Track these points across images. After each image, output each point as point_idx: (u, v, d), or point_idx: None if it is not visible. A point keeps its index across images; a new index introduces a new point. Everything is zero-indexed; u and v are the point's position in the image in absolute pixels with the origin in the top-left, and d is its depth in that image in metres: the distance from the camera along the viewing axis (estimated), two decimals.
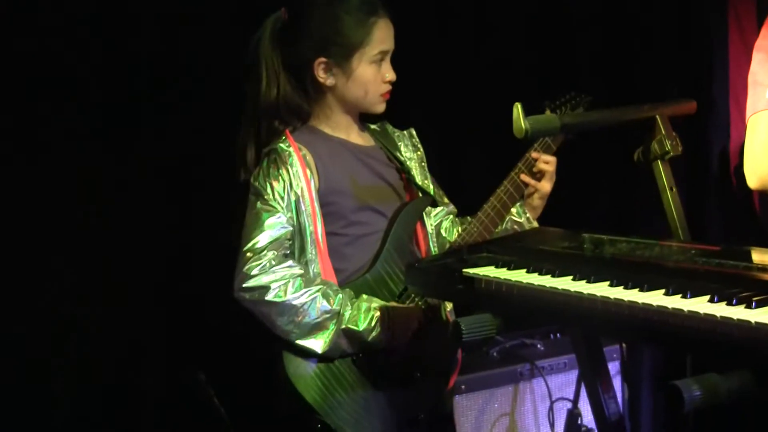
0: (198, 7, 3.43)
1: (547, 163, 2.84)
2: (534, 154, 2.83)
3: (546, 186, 2.86)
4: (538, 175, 2.85)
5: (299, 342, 2.61)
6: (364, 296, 2.67)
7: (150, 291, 3.49)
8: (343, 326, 2.61)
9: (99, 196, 3.37)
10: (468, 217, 2.93)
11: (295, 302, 2.58)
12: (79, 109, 3.32)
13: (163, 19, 3.42)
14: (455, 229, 2.94)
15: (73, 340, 3.35)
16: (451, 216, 2.98)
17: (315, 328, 2.60)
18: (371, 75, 2.73)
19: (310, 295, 2.59)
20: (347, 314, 2.61)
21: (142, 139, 3.42)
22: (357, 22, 2.70)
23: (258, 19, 2.79)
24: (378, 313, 2.64)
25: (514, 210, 2.85)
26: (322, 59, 2.71)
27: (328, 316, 2.60)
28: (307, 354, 2.63)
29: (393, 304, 2.70)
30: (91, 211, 3.37)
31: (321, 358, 2.65)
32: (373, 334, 2.63)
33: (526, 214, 2.89)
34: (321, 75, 2.73)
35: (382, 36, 2.73)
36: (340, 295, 2.63)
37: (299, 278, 2.60)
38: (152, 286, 3.49)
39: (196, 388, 3.04)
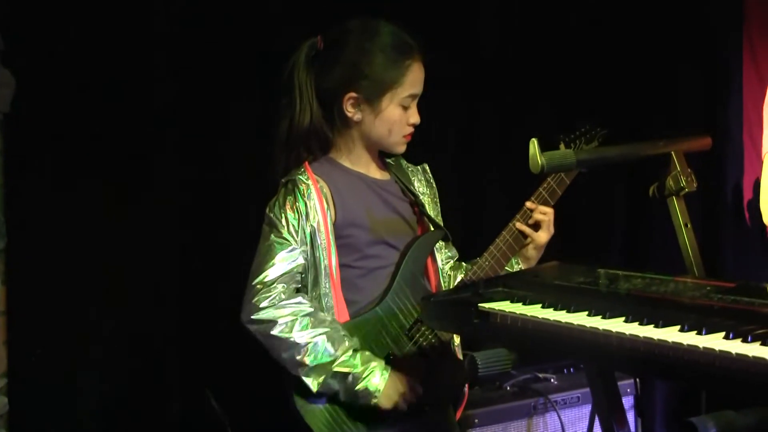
0: None
1: (543, 214, 2.85)
2: (530, 205, 2.85)
3: (542, 237, 2.86)
4: (535, 226, 2.86)
5: (299, 377, 2.60)
6: (368, 353, 2.65)
7: (163, 317, 3.50)
8: (335, 369, 2.59)
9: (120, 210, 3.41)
10: (464, 264, 2.95)
11: (299, 341, 2.57)
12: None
13: None
14: (450, 274, 2.94)
15: (88, 357, 3.38)
16: (452, 261, 2.97)
17: (314, 370, 2.59)
18: (398, 116, 2.73)
19: (315, 336, 2.58)
20: (344, 358, 2.59)
21: (161, 154, 3.47)
22: (392, 62, 2.69)
23: None
24: (376, 365, 2.62)
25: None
26: (353, 94, 2.70)
27: (329, 360, 2.59)
28: None
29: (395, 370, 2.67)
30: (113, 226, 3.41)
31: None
32: (361, 384, 2.60)
33: (519, 265, 2.90)
34: (349, 109, 2.72)
35: (414, 79, 2.72)
36: (346, 343, 2.61)
37: (307, 317, 2.60)
38: (165, 312, 3.50)
39: (209, 415, 3.05)
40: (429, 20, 3.46)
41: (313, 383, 2.59)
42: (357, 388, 2.60)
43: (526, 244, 2.87)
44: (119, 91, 3.37)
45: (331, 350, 2.58)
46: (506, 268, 2.85)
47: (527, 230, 2.84)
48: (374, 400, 2.61)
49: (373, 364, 2.62)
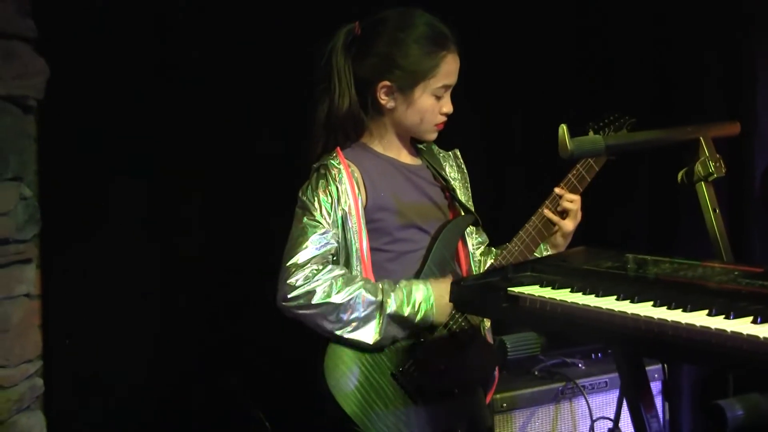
0: None
1: (571, 201, 2.86)
2: (558, 191, 2.86)
3: (569, 225, 2.88)
4: (563, 214, 2.88)
5: (350, 337, 2.64)
6: (404, 281, 2.71)
7: (194, 304, 3.54)
8: (389, 313, 2.64)
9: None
10: (494, 249, 2.98)
11: (340, 301, 2.61)
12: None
13: None
14: (480, 259, 2.97)
15: (121, 350, 3.42)
16: (482, 246, 3.01)
17: (364, 321, 2.64)
18: (430, 106, 2.76)
19: (354, 291, 2.63)
20: (392, 301, 2.64)
21: (191, 143, 3.50)
22: (426, 53, 2.71)
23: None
24: (420, 296, 2.67)
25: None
26: (386, 83, 2.73)
27: (374, 307, 2.64)
28: (347, 366, 2.66)
29: (432, 280, 2.73)
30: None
31: (368, 354, 2.68)
32: (419, 316, 2.66)
33: (548, 251, 2.92)
34: (383, 97, 2.76)
35: (448, 70, 2.75)
36: (381, 285, 2.67)
37: (340, 278, 2.64)
38: (196, 299, 3.55)
39: (239, 401, 3.08)
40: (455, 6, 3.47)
41: (368, 335, 2.64)
42: (417, 321, 2.67)
43: (555, 232, 2.89)
44: (152, 78, 3.41)
45: (372, 298, 2.63)
46: (535, 254, 2.87)
47: (555, 218, 2.86)
48: (433, 320, 2.69)
49: (415, 295, 2.67)
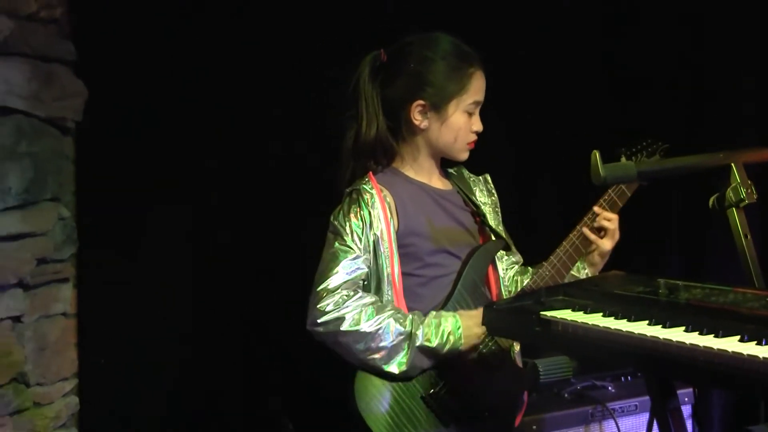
0: None
1: (608, 220, 2.87)
2: (597, 209, 2.87)
3: (606, 244, 2.89)
4: (601, 233, 2.88)
5: (377, 365, 2.65)
6: (433, 312, 2.72)
7: (228, 323, 3.56)
8: (418, 344, 2.66)
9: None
10: (530, 268, 2.98)
11: (369, 329, 2.63)
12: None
13: None
14: (516, 278, 2.98)
15: (156, 368, 3.44)
16: (516, 266, 3.01)
17: (392, 351, 2.65)
18: (463, 123, 2.79)
19: (383, 320, 2.64)
20: (420, 333, 2.66)
21: (230, 162, 3.53)
22: (455, 69, 2.75)
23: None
24: (449, 327, 2.68)
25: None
26: (420, 102, 2.76)
27: (402, 337, 2.65)
28: (377, 389, 2.68)
29: (461, 312, 2.74)
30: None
31: (395, 382, 2.69)
32: (447, 347, 2.67)
33: (585, 269, 2.93)
34: (417, 117, 2.78)
35: (478, 87, 2.79)
36: (410, 316, 2.68)
37: (370, 306, 2.66)
38: (230, 318, 3.56)
39: (274, 422, 3.09)
40: (485, 29, 3.48)
41: (395, 365, 2.65)
42: (444, 351, 2.67)
43: (592, 251, 2.90)
44: (188, 98, 3.45)
45: (401, 328, 2.65)
46: (572, 272, 2.88)
47: (592, 237, 2.87)
48: (461, 350, 2.69)
49: (444, 326, 2.68)
